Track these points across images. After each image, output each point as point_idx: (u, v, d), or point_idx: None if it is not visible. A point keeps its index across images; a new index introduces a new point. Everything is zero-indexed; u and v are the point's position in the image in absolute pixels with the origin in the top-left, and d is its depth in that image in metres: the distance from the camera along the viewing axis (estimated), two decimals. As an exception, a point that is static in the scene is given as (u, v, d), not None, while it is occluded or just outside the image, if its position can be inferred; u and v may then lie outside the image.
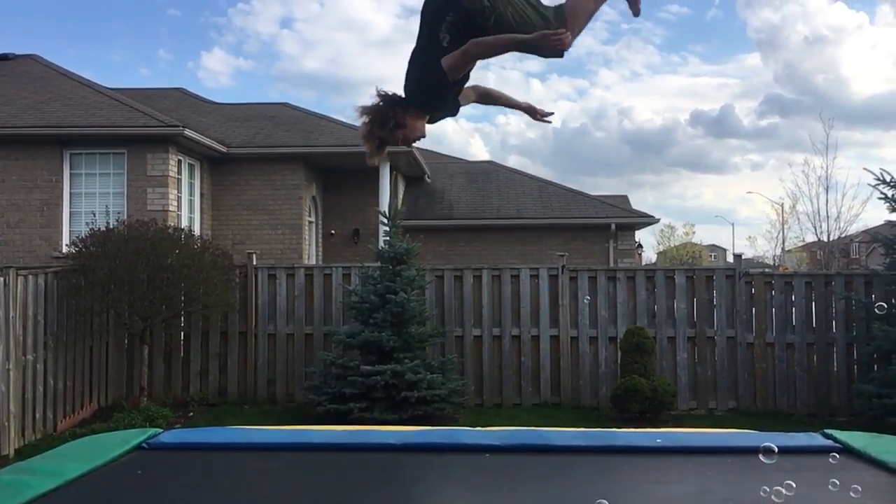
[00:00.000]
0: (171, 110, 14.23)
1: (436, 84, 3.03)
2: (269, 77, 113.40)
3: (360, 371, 8.01)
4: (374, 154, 3.21)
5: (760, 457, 2.41)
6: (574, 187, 19.22)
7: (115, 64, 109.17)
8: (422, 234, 10.66)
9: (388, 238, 8.85)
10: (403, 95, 3.08)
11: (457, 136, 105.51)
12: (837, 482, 2.42)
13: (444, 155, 24.25)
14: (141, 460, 3.50)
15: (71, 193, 12.05)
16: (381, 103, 3.07)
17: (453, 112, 3.31)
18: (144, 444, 3.67)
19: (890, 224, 9.56)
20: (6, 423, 6.89)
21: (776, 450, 2.42)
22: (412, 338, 8.35)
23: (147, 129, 11.89)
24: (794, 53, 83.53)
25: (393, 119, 3.06)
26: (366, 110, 3.09)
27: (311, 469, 3.56)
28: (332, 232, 15.98)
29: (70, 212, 12.02)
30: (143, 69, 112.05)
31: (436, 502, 3.18)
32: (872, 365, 8.68)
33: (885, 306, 7.84)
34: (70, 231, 11.75)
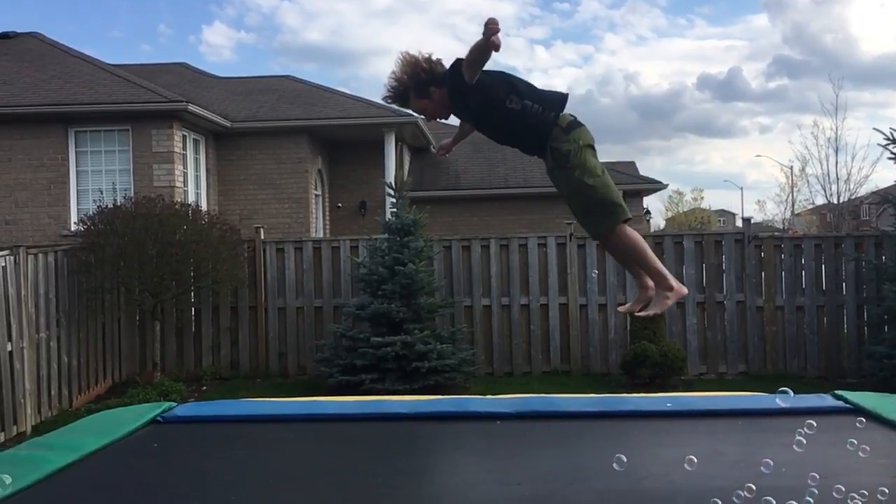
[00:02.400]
0: (174, 85, 14.16)
1: (459, 83, 3.13)
2: (271, 50, 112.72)
3: (371, 343, 8.05)
4: (392, 97, 3.32)
5: (777, 400, 2.41)
6: (581, 155, 19.10)
7: (116, 40, 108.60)
8: (428, 205, 10.62)
9: (394, 210, 8.84)
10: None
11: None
12: (849, 441, 2.43)
13: (449, 125, 24.06)
14: (156, 434, 3.55)
15: (77, 171, 12.05)
16: (427, 63, 3.19)
17: (444, 114, 3.40)
18: (159, 418, 3.71)
19: (900, 184, 9.47)
20: (22, 400, 6.97)
21: (791, 393, 2.42)
22: (421, 309, 8.38)
23: (151, 105, 11.85)
24: (802, 13, 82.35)
25: (427, 79, 3.19)
26: (410, 58, 3.20)
27: (325, 439, 3.60)
28: (339, 205, 15.97)
29: (77, 190, 12.03)
30: (145, 45, 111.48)
31: (449, 470, 3.21)
32: (883, 326, 8.67)
33: None
34: (78, 209, 11.77)
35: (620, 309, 3.30)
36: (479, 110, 3.22)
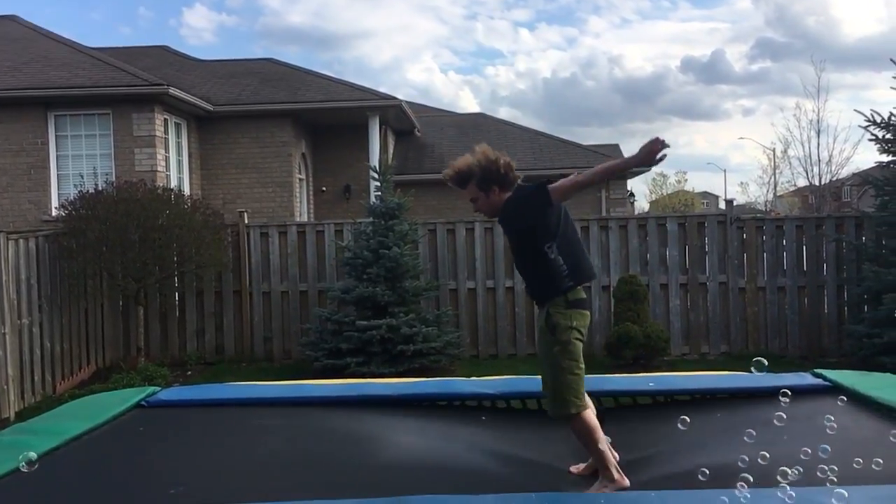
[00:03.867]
0: (155, 69, 13.99)
1: (536, 202, 3.25)
2: (253, 33, 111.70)
3: (356, 326, 8.06)
4: (454, 175, 3.51)
5: (752, 369, 2.46)
6: (566, 138, 19.14)
7: (96, 23, 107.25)
8: (413, 188, 10.61)
9: (379, 193, 8.81)
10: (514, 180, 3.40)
11: (446, 88, 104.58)
12: (827, 417, 2.47)
13: (433, 108, 24.03)
14: (140, 418, 3.54)
15: (58, 156, 11.90)
16: (505, 167, 3.38)
17: (490, 213, 3.56)
18: (143, 402, 3.71)
19: (881, 165, 9.55)
20: (5, 387, 6.93)
21: (766, 362, 2.47)
22: (406, 292, 8.39)
23: (131, 89, 11.71)
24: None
25: (495, 178, 3.37)
26: (492, 154, 3.40)
27: (310, 422, 3.61)
28: (323, 189, 15.90)
29: (58, 174, 11.89)
30: (124, 28, 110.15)
31: (434, 451, 3.23)
32: (862, 306, 8.77)
33: None
34: (59, 194, 11.64)
35: (572, 469, 3.35)
36: (522, 227, 3.33)
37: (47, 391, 7.72)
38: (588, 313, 3.36)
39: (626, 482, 3.12)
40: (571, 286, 3.25)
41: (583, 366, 3.29)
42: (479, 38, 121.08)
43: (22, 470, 2.49)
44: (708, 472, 2.26)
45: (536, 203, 3.22)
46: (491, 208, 3.44)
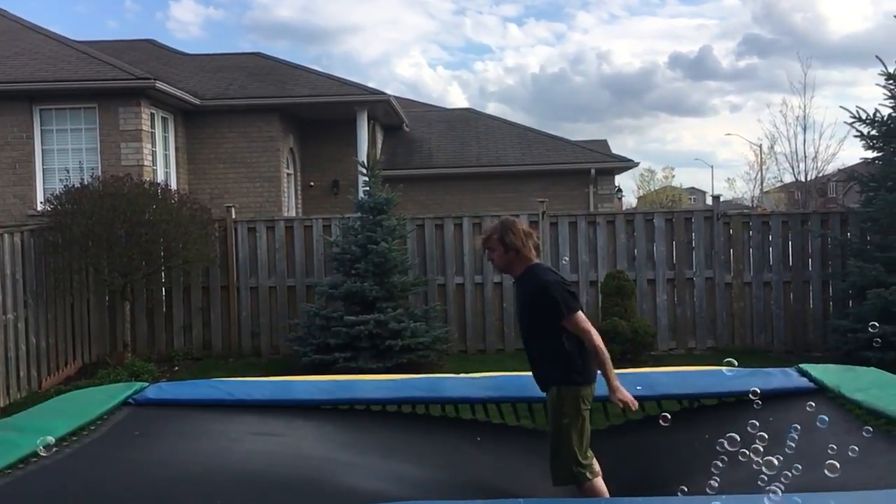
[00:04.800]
0: (141, 62, 13.89)
1: (548, 298, 3.55)
2: (241, 27, 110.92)
3: (344, 321, 8.05)
4: (491, 232, 3.82)
5: (723, 370, 2.50)
6: (554, 133, 19.16)
7: (82, 16, 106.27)
8: (401, 183, 10.57)
9: (367, 188, 8.80)
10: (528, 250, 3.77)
11: (435, 83, 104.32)
12: (808, 414, 2.50)
13: (422, 103, 24.02)
14: (128, 414, 3.53)
15: (43, 150, 11.81)
16: (531, 247, 3.78)
17: (503, 269, 4.04)
18: (131, 399, 3.69)
19: (866, 161, 9.62)
20: (-10, 383, 6.88)
21: (735, 363, 2.52)
22: (395, 287, 8.38)
23: (117, 83, 11.62)
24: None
25: (512, 247, 3.73)
26: (528, 231, 3.82)
27: (300, 417, 3.60)
28: (312, 184, 15.85)
29: (43, 169, 11.79)
30: (111, 21, 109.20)
31: (423, 446, 3.23)
32: (847, 301, 8.85)
33: (878, 325, 6.42)
34: (44, 188, 11.54)
35: None
36: (540, 315, 3.55)
37: (33, 387, 7.67)
38: (594, 382, 3.51)
39: None
40: (581, 383, 3.41)
41: (588, 436, 3.41)
42: (468, 33, 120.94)
43: (40, 454, 2.51)
44: (694, 471, 2.27)
45: (560, 312, 3.46)
46: (502, 263, 3.80)
